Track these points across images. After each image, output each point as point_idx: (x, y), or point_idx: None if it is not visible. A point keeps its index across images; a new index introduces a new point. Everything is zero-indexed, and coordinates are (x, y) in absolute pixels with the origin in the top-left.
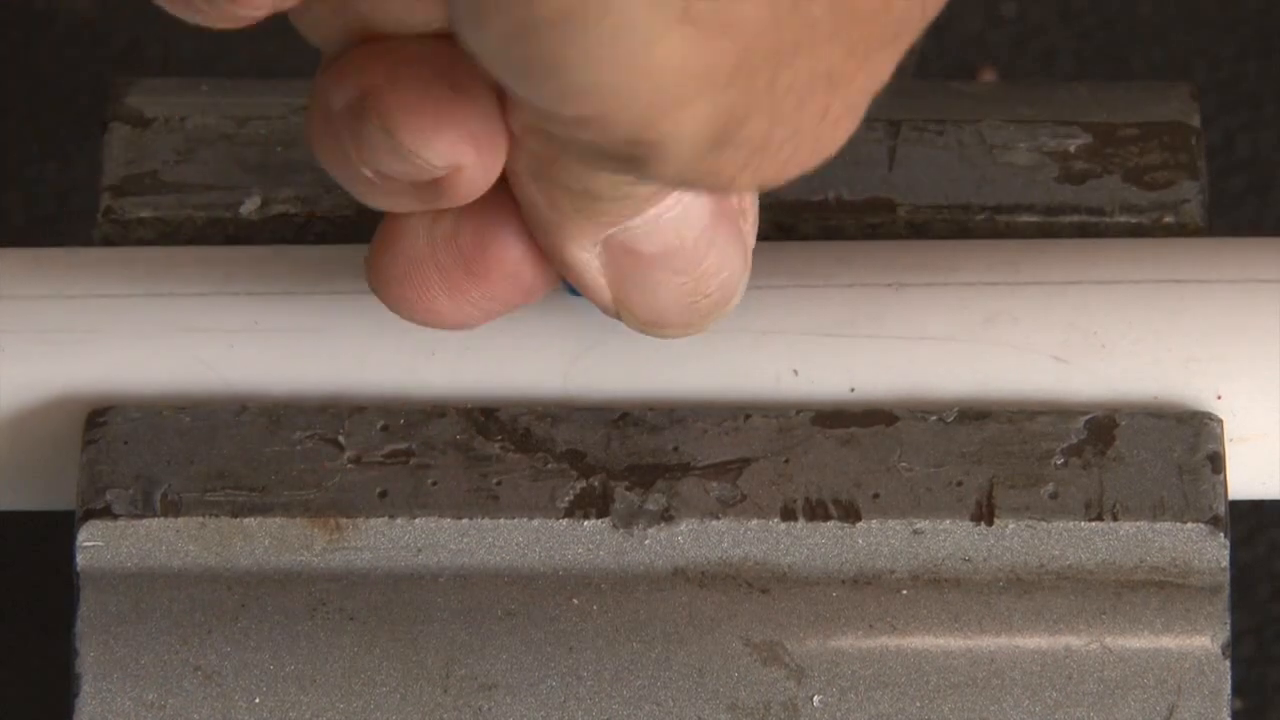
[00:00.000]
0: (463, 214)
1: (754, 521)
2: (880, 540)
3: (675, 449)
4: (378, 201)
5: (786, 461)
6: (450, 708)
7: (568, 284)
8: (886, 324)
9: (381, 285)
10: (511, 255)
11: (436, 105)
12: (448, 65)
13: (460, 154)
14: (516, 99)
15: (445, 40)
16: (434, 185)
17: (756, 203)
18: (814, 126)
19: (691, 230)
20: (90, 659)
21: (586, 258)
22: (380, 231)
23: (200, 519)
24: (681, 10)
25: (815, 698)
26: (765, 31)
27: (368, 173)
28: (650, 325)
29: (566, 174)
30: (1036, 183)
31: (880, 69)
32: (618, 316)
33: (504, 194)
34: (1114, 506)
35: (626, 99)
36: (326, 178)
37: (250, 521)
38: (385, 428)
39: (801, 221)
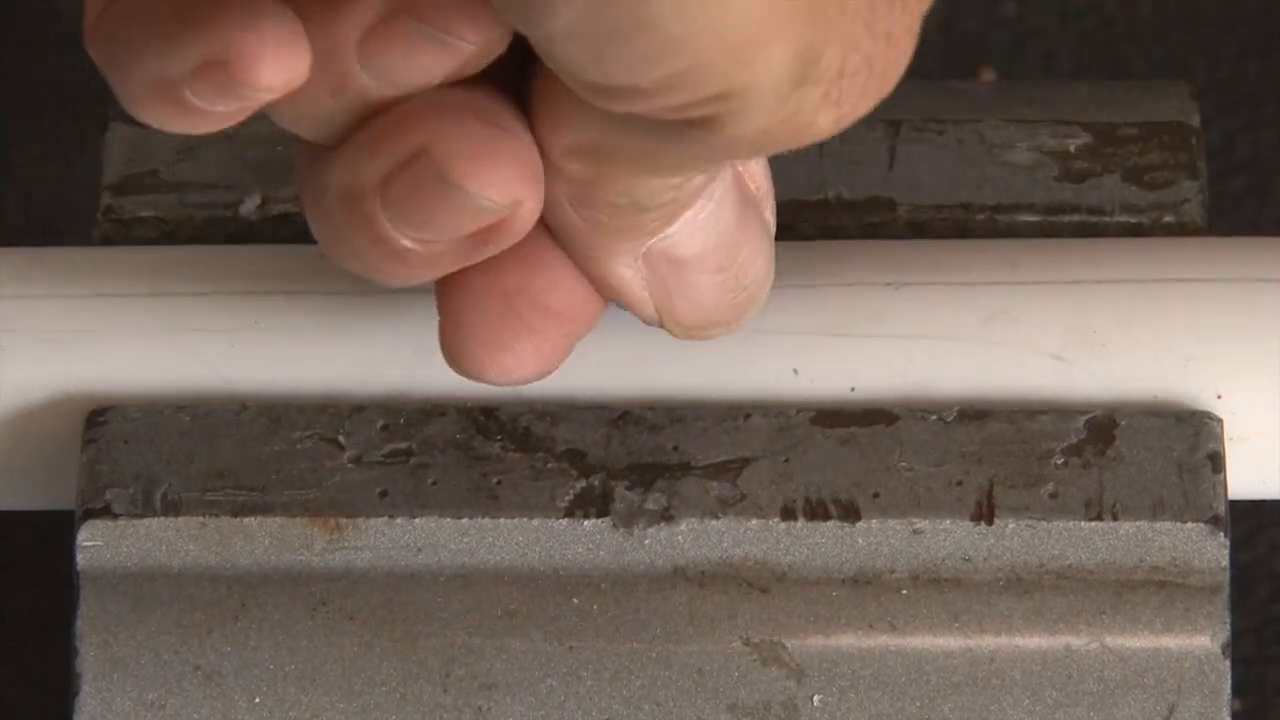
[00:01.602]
0: (523, 262)
1: (754, 521)
2: (880, 540)
3: (675, 448)
4: (409, 274)
5: (786, 461)
6: (450, 707)
7: None
8: (886, 323)
9: (471, 360)
10: (581, 283)
11: (491, 146)
12: (484, 109)
13: (522, 189)
14: (585, 89)
15: (460, 87)
16: (484, 234)
17: (772, 190)
18: (882, 51)
19: (725, 225)
20: (90, 659)
21: (629, 274)
22: (445, 312)
23: (200, 519)
24: None
25: (815, 697)
26: None
27: (407, 243)
28: (695, 329)
29: (611, 190)
30: (1036, 182)
31: None
32: (661, 326)
33: (544, 230)
34: (1114, 506)
35: (716, 45)
36: None
37: (250, 521)
38: (385, 427)
39: (801, 221)
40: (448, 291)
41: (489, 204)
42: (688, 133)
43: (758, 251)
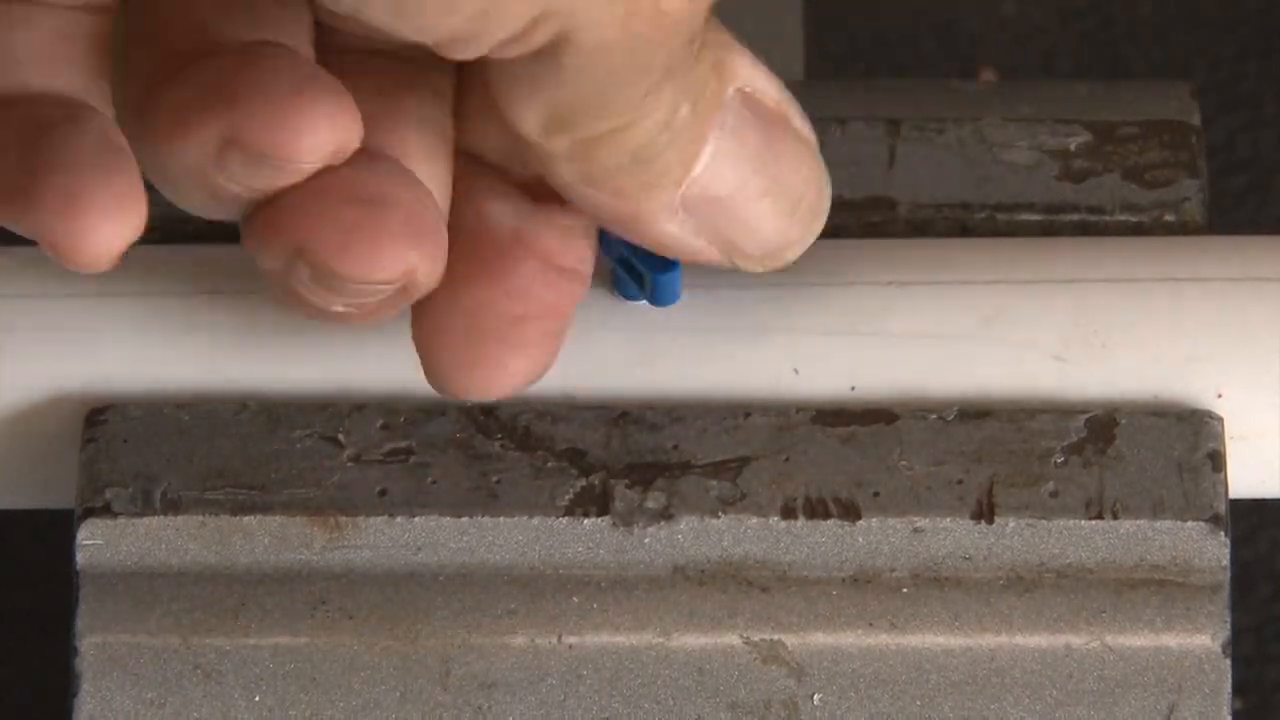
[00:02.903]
0: (480, 276)
1: (754, 520)
2: (880, 539)
3: (675, 447)
4: (363, 322)
5: (786, 460)
6: (450, 706)
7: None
8: (886, 323)
9: (451, 382)
10: (545, 278)
11: (364, 230)
12: (359, 185)
13: (408, 257)
14: (435, 49)
15: (332, 167)
16: (400, 293)
17: (794, 100)
18: None
19: (751, 149)
20: (90, 658)
21: (676, 230)
22: (418, 340)
23: (200, 517)
24: None
25: (815, 696)
26: None
27: (339, 308)
28: (770, 257)
29: (603, 152)
30: (1037, 181)
31: None
32: (735, 266)
33: (498, 234)
34: (1114, 505)
35: None
36: None
37: (250, 520)
38: (385, 426)
39: None
40: (416, 320)
41: (377, 287)
42: (553, 62)
43: (799, 162)
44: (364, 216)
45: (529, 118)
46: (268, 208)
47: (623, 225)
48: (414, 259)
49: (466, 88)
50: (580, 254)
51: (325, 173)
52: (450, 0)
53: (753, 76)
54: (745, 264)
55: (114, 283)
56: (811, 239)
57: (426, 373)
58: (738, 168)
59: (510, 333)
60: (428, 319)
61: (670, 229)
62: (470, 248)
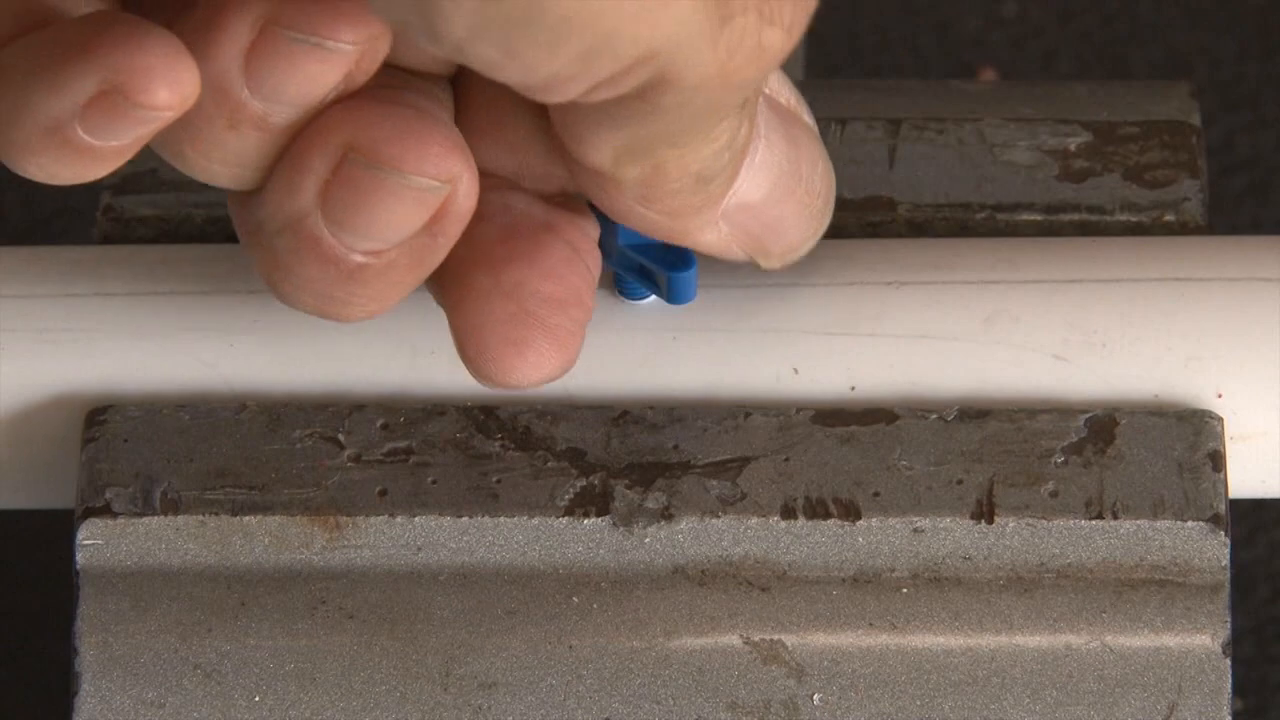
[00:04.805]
0: (516, 257)
1: (754, 520)
2: (880, 539)
3: (675, 447)
4: (366, 297)
5: (787, 460)
6: (450, 706)
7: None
8: (886, 323)
9: (496, 361)
10: (572, 267)
11: (415, 126)
12: (398, 98)
13: (455, 163)
14: (526, 91)
15: (375, 89)
16: (432, 226)
17: (801, 95)
18: None
19: (780, 154)
20: (90, 658)
21: (715, 238)
22: (458, 321)
23: (200, 517)
24: None
25: (815, 696)
26: None
27: (358, 257)
28: (790, 253)
29: (671, 176)
30: (1037, 181)
31: None
32: (755, 264)
33: (524, 221)
34: (1114, 505)
35: (611, 15)
36: None
37: (250, 520)
38: (385, 426)
39: None
40: (455, 302)
41: (426, 182)
42: (648, 102)
43: (816, 158)
44: (415, 119)
45: (604, 151)
46: (312, 124)
47: (664, 235)
48: (459, 167)
49: (468, 104)
50: (593, 248)
51: (372, 85)
52: (555, 42)
53: (771, 78)
54: (766, 262)
55: (114, 283)
56: (822, 233)
57: (469, 360)
58: (770, 173)
59: (549, 316)
60: (470, 302)
61: (710, 239)
62: (504, 232)
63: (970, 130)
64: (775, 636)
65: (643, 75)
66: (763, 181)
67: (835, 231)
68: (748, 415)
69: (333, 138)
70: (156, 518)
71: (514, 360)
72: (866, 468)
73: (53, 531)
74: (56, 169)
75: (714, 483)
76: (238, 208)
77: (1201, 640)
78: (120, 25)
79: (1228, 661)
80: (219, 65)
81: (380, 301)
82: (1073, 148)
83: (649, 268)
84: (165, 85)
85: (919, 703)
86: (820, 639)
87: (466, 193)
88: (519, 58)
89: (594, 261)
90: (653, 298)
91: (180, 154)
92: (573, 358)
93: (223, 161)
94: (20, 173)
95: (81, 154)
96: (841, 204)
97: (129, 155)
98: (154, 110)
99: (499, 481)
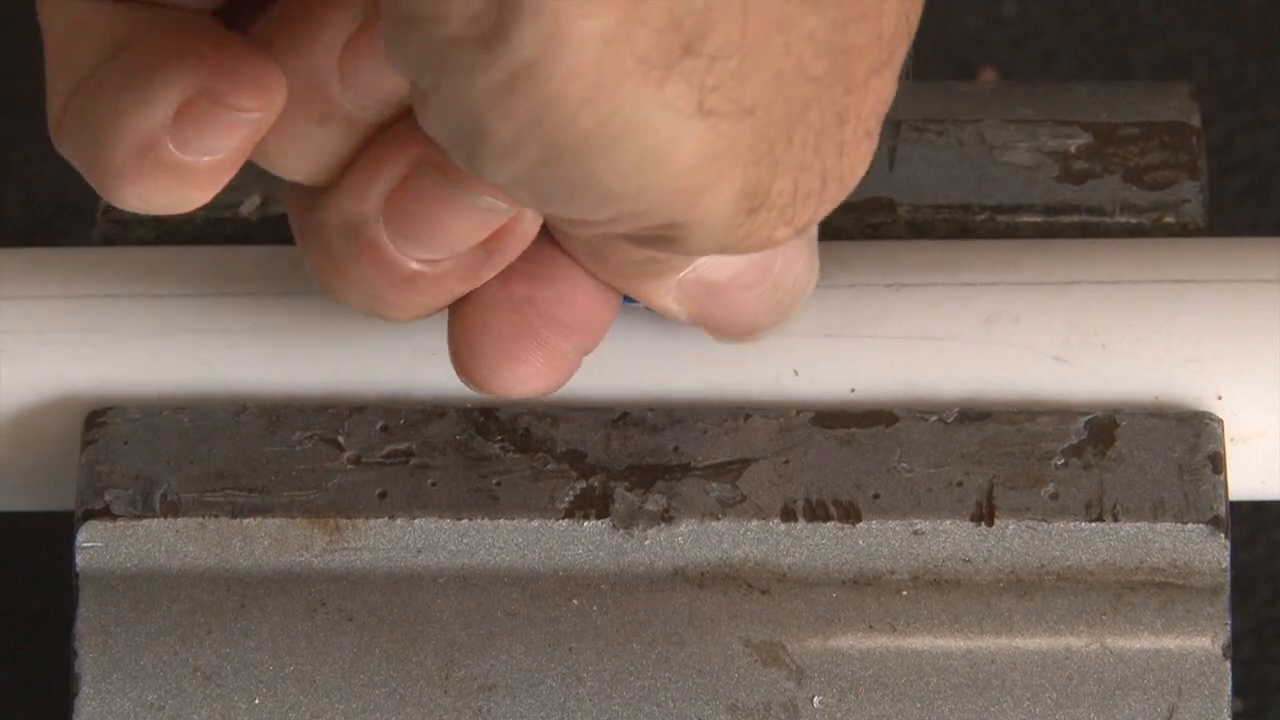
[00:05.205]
0: (534, 275)
1: (754, 522)
2: (880, 541)
3: (675, 449)
4: (416, 301)
5: (786, 462)
6: (450, 708)
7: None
8: (886, 324)
9: (484, 370)
10: (591, 297)
11: None
12: None
13: None
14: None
15: None
16: (490, 243)
17: None
18: (835, 163)
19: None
20: (90, 659)
21: (665, 303)
22: (457, 323)
23: (200, 519)
24: (696, 106)
25: (815, 698)
26: (775, 103)
27: (414, 264)
28: (740, 336)
29: (623, 252)
30: (1037, 182)
31: (883, 90)
32: (709, 335)
33: (553, 244)
34: (1114, 507)
35: (656, 195)
36: None
37: (250, 522)
38: (385, 428)
39: None
40: (458, 311)
41: (492, 203)
42: (650, 244)
43: (795, 257)
44: None
45: (579, 233)
46: (387, 132)
47: (618, 287)
48: None
49: None
50: (617, 293)
51: None
52: (592, 208)
53: None
54: (716, 338)
55: (114, 284)
56: (781, 327)
57: (457, 359)
58: (739, 262)
59: (550, 336)
60: (475, 304)
61: (660, 302)
62: (529, 250)
63: (970, 131)
64: (775, 639)
65: (664, 233)
66: (729, 267)
67: (835, 233)
68: (748, 417)
69: (408, 147)
70: (156, 520)
71: (504, 370)
72: (866, 469)
73: (53, 533)
74: (152, 194)
75: (714, 485)
76: (296, 203)
77: (1201, 643)
78: (203, 32)
79: (1228, 664)
80: (315, 61)
81: (428, 307)
82: (1073, 149)
83: None
84: (249, 88)
85: (919, 705)
86: (820, 641)
87: (532, 219)
88: (552, 207)
89: (614, 300)
90: None
91: (261, 147)
92: (562, 381)
93: (302, 156)
94: (117, 204)
95: (176, 174)
96: (841, 205)
97: (224, 176)
98: (242, 112)
99: (499, 483)
